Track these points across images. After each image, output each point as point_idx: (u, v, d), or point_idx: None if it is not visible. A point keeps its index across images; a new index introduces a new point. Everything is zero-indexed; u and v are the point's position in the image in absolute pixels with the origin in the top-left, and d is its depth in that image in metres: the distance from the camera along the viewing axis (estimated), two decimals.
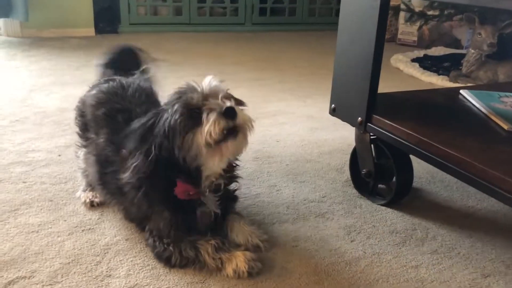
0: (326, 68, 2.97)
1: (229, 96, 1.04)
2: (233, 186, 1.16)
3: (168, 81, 2.45)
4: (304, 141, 1.81)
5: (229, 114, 0.98)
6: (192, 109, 0.99)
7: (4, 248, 1.08)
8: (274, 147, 1.74)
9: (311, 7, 4.50)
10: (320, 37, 4.13)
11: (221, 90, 1.03)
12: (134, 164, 1.01)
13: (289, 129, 1.93)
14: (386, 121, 1.23)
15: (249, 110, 1.06)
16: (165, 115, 1.00)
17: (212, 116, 0.97)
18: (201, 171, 1.04)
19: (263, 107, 2.18)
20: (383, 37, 1.22)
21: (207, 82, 1.02)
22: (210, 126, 0.96)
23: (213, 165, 1.04)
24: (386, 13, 1.20)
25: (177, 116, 0.98)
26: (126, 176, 1.03)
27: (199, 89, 1.01)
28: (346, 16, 1.28)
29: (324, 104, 2.25)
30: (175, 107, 0.99)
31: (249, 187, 1.42)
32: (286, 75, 2.82)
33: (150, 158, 1.00)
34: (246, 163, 1.58)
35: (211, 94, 1.01)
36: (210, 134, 0.96)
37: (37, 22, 3.51)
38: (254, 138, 1.79)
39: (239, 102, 1.07)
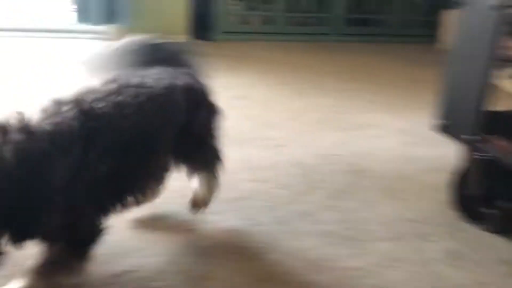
0: (420, 81, 2.85)
1: None
2: None
3: (255, 90, 2.51)
4: (398, 156, 1.74)
5: None
6: None
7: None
8: (367, 160, 1.70)
9: (404, 18, 4.38)
10: (412, 49, 3.99)
11: None
12: None
13: (382, 142, 1.88)
14: (500, 141, 1.15)
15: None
16: None
17: None
18: None
19: (353, 118, 2.14)
20: (498, 54, 1.16)
21: None
22: None
23: None
24: (503, 30, 1.13)
25: None
26: None
27: None
28: (461, 32, 1.23)
29: (417, 118, 2.16)
30: None
31: (341, 200, 1.39)
32: (376, 86, 2.75)
33: None
34: (338, 175, 1.55)
35: None
36: None
37: (137, 28, 3.73)
38: (346, 150, 1.77)
39: None
